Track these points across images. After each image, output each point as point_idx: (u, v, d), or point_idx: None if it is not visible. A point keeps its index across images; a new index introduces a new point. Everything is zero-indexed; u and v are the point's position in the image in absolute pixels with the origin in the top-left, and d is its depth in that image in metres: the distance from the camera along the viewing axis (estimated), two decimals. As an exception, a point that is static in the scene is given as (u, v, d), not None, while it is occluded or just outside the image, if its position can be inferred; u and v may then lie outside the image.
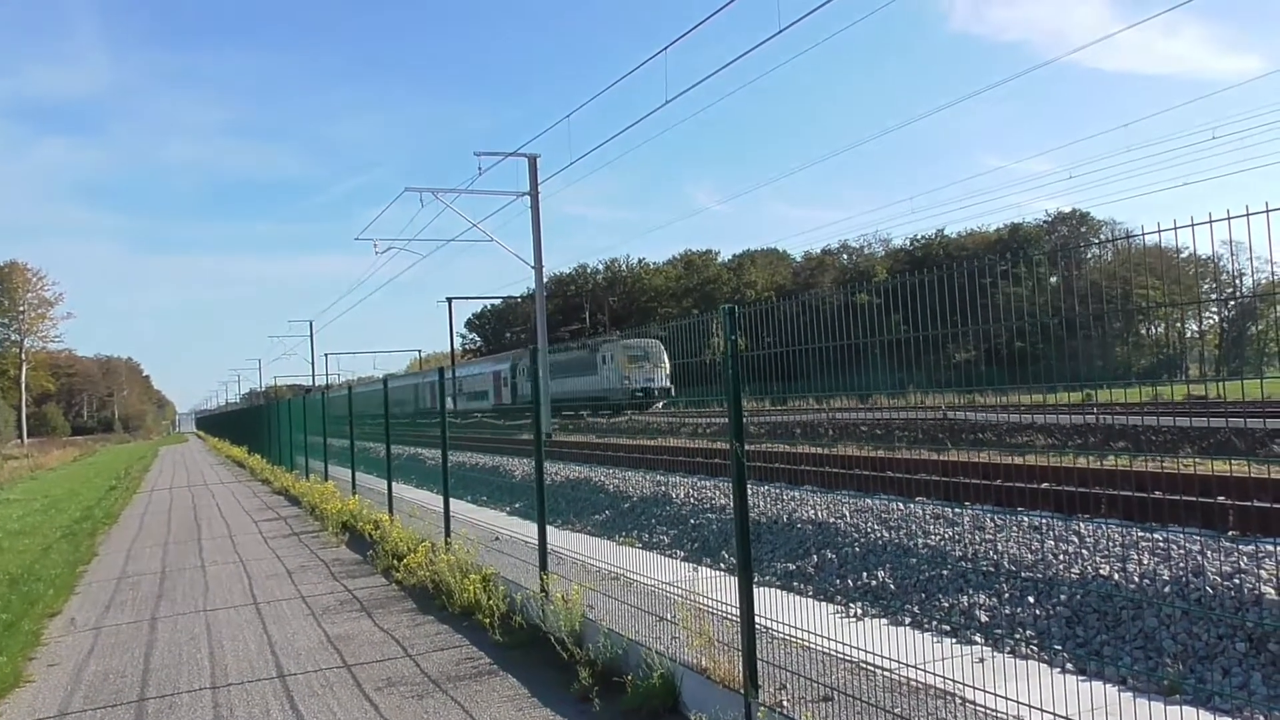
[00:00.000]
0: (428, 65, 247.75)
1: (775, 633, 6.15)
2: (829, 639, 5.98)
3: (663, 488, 14.17)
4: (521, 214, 48.01)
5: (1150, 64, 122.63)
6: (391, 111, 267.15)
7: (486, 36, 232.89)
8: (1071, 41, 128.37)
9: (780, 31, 19.38)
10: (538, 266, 34.88)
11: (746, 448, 5.50)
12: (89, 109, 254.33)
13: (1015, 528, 8.47)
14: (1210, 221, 4.25)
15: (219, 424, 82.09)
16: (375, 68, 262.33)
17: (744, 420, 5.54)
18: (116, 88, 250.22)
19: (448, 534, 11.15)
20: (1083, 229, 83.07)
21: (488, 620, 8.33)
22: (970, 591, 7.42)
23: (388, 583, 11.02)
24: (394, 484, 15.09)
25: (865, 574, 8.49)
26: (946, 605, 7.34)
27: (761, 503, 11.14)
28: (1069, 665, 6.00)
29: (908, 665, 5.60)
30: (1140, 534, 7.63)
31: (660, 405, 45.70)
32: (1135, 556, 7.05)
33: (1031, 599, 6.97)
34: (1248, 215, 3.94)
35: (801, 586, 8.76)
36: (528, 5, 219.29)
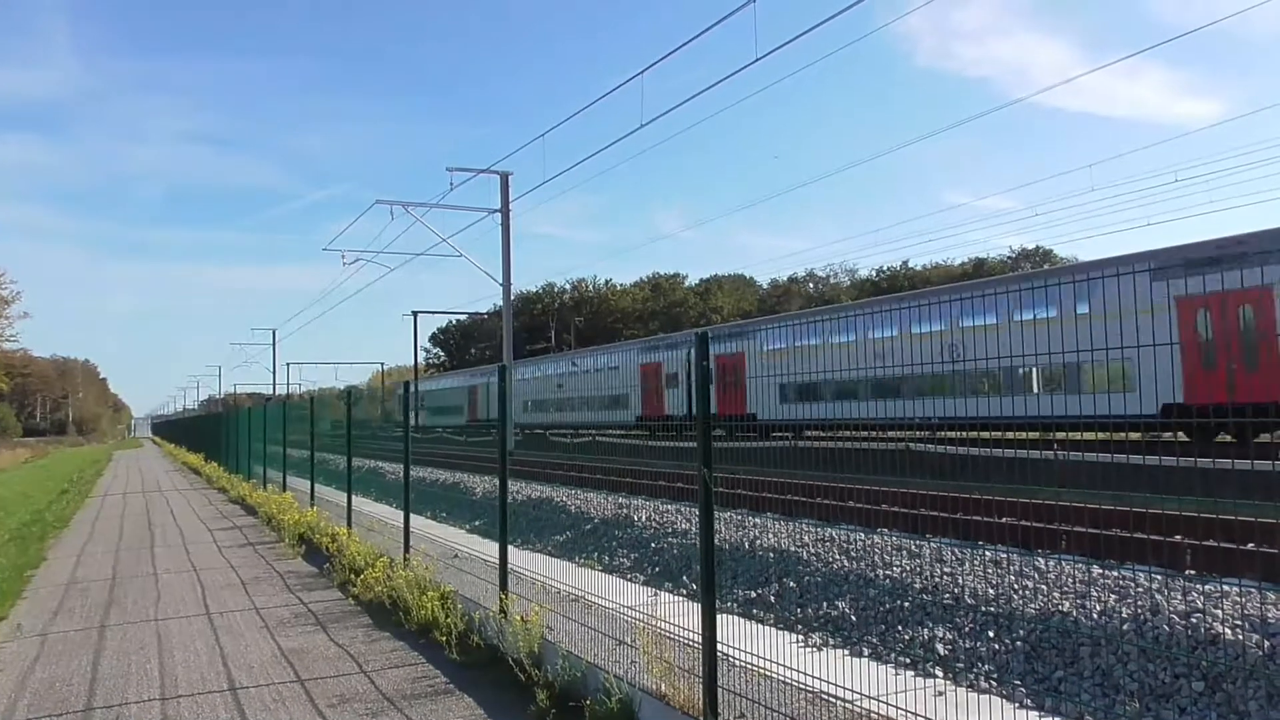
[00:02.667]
0: (400, 80, 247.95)
1: (735, 660, 6.12)
2: (789, 668, 5.97)
3: (625, 510, 14.13)
4: (491, 230, 48.00)
5: (1112, 106, 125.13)
6: (361, 125, 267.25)
7: (460, 53, 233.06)
8: (1035, 81, 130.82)
9: (757, 60, 19.52)
10: (506, 284, 34.84)
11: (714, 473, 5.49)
12: (55, 110, 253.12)
13: (976, 561, 8.51)
14: (1169, 266, 4.31)
15: (176, 430, 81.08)
16: (346, 81, 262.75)
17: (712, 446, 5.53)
18: (84, 91, 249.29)
19: (407, 550, 11.04)
20: (1045, 266, 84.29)
21: (445, 638, 8.24)
22: (930, 624, 7.44)
23: (344, 597, 10.88)
24: (354, 497, 14.93)
25: (826, 604, 8.49)
26: (907, 637, 7.35)
27: (723, 529, 11.13)
28: (1027, 700, 6.01)
29: (867, 697, 5.59)
30: (1099, 571, 7.68)
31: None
32: (1094, 593, 7.10)
33: (991, 633, 6.99)
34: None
35: (762, 614, 8.74)
36: (504, 24, 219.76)
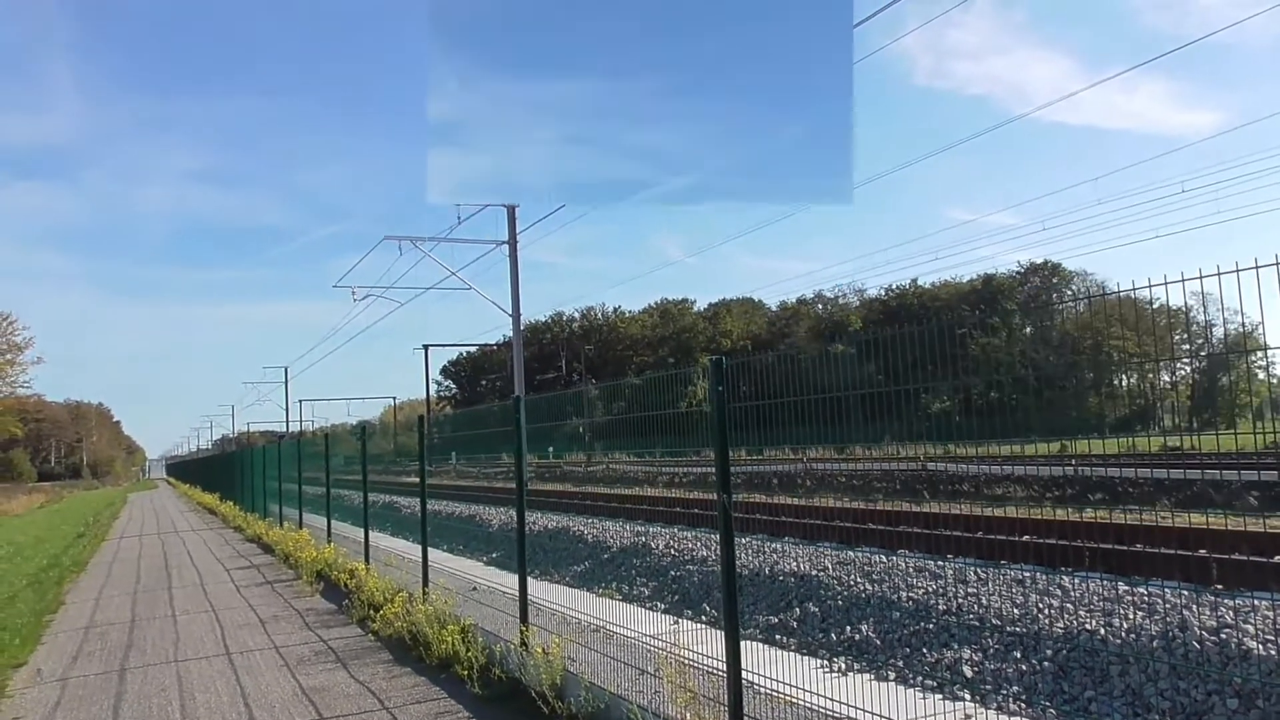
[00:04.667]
0: (404, 114, 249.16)
1: (759, 687, 6.06)
2: (813, 694, 5.91)
3: (642, 538, 14.07)
4: (499, 262, 48.17)
5: (1113, 120, 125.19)
6: (366, 160, 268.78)
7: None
8: (1034, 97, 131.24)
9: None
10: (515, 315, 34.88)
11: (733, 499, 5.45)
12: (62, 154, 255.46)
13: (999, 581, 8.43)
14: (1182, 280, 4.32)
15: (190, 470, 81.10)
16: (350, 116, 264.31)
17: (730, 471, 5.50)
18: (90, 133, 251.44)
19: (425, 584, 10.99)
20: (1054, 280, 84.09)
21: (466, 672, 8.19)
22: (955, 646, 7.36)
23: (364, 633, 10.84)
24: (370, 532, 14.91)
25: (848, 628, 8.41)
26: (931, 660, 7.27)
27: (743, 554, 11.06)
28: (1057, 721, 5.94)
29: (895, 721, 5.53)
30: (1124, 588, 7.61)
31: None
32: (1120, 611, 7.02)
33: (1017, 653, 6.92)
34: (1218, 275, 4.02)
35: (784, 640, 8.67)
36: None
